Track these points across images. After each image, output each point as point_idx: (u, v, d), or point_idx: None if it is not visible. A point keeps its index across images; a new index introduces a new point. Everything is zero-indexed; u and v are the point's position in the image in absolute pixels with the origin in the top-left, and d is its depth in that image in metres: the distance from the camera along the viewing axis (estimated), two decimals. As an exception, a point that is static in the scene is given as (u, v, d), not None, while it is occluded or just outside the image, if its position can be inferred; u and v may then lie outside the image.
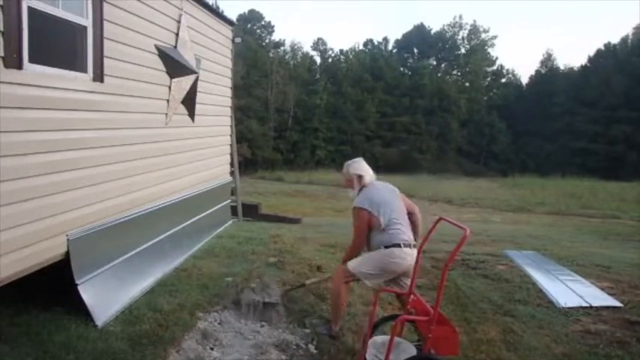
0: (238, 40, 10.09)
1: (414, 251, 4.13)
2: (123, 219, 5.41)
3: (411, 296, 3.81)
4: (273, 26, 60.55)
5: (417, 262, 3.85)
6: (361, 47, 63.50)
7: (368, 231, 4.27)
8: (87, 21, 4.59)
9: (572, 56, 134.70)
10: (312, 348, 4.44)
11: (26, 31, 3.76)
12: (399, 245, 4.15)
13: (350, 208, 4.45)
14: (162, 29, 6.22)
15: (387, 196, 4.34)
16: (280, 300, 5.18)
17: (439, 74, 63.15)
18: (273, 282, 5.82)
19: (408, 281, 4.13)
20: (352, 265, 4.34)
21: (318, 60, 62.56)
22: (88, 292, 4.58)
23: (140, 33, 5.61)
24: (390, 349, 3.41)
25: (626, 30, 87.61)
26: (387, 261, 4.15)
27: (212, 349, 4.29)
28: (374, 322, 4.04)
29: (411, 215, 4.46)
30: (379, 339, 3.84)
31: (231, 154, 9.88)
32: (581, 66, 57.38)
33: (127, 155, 5.44)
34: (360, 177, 4.41)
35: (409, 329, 4.31)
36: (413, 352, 3.64)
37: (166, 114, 6.44)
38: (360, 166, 4.47)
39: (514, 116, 55.90)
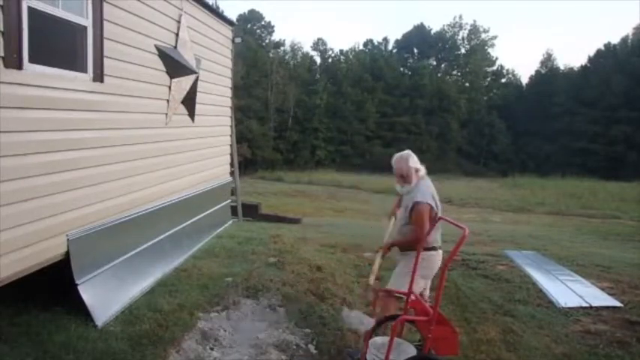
0: (238, 40, 10.09)
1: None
2: (123, 219, 5.41)
3: (411, 296, 3.81)
4: (273, 26, 60.64)
5: (416, 262, 3.83)
6: (361, 47, 63.59)
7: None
8: (87, 21, 4.59)
9: (572, 56, 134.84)
10: (312, 348, 4.44)
11: (26, 31, 3.76)
12: (434, 248, 4.13)
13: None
14: (163, 29, 6.22)
15: (437, 199, 4.20)
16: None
17: (439, 74, 63.14)
18: (273, 282, 5.83)
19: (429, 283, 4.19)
20: (396, 286, 4.15)
21: (318, 60, 62.59)
22: (88, 292, 4.59)
23: (140, 33, 5.61)
24: (390, 349, 3.41)
25: (626, 30, 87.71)
26: (432, 261, 4.10)
27: (212, 349, 4.29)
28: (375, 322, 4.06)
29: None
30: (379, 339, 3.82)
31: (231, 154, 9.88)
32: (581, 66, 57.41)
33: (127, 155, 5.44)
34: (417, 170, 4.21)
35: (410, 329, 4.32)
36: (413, 352, 3.64)
37: (166, 114, 6.44)
38: (417, 160, 4.25)
39: (514, 116, 55.87)
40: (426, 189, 4.13)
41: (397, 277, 4.24)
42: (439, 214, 4.04)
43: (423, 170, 4.26)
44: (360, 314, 5.23)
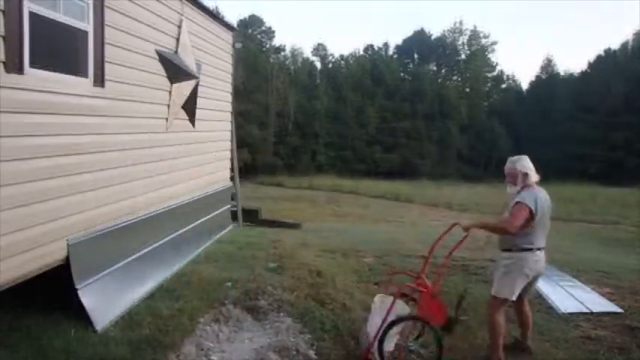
0: (239, 45, 10.14)
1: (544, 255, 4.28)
2: (123, 224, 5.41)
3: (419, 279, 4.21)
4: (273, 31, 60.61)
5: (429, 255, 4.27)
6: (361, 52, 63.56)
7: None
8: (88, 26, 4.61)
9: (573, 62, 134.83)
10: (312, 353, 4.43)
11: (27, 36, 3.77)
12: (531, 250, 4.19)
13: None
14: (163, 34, 6.24)
15: (546, 206, 4.26)
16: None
17: (439, 79, 63.13)
18: (273, 287, 5.83)
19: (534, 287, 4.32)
20: (500, 290, 4.25)
21: (318, 65, 62.59)
22: (87, 297, 4.58)
23: (141, 38, 5.63)
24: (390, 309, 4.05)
25: (626, 36, 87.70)
26: (528, 260, 4.16)
27: (212, 353, 4.29)
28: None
29: None
30: (377, 298, 4.39)
31: (232, 159, 9.89)
32: (582, 71, 57.39)
33: (127, 160, 5.45)
34: (525, 175, 4.28)
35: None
36: (407, 310, 4.28)
37: (167, 119, 6.45)
38: (528, 164, 4.35)
39: (514, 121, 55.87)
40: (534, 195, 4.18)
41: (499, 280, 4.32)
42: (537, 225, 4.15)
43: (534, 176, 4.33)
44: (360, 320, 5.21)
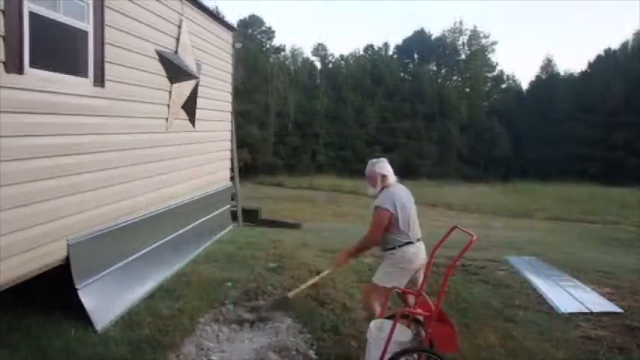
0: (239, 45, 10.14)
1: (423, 246, 4.33)
2: (123, 224, 5.42)
3: (420, 297, 4.06)
4: (273, 31, 60.56)
5: (428, 266, 4.08)
6: (361, 52, 63.54)
7: (385, 230, 4.31)
8: (88, 26, 4.61)
9: (573, 62, 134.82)
10: (312, 353, 4.43)
11: (27, 36, 3.77)
12: (411, 242, 4.25)
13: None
14: (163, 34, 6.24)
15: (406, 200, 4.39)
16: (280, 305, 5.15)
17: (439, 79, 63.10)
18: (273, 287, 5.83)
19: (421, 277, 4.26)
20: (379, 280, 4.30)
21: (318, 65, 62.54)
22: (87, 297, 4.59)
23: (141, 38, 5.63)
24: (390, 337, 3.60)
25: (626, 36, 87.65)
26: (406, 258, 4.21)
27: (211, 353, 4.29)
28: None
29: None
30: (378, 321, 4.02)
31: (232, 159, 9.89)
32: (582, 71, 57.40)
33: (127, 160, 5.45)
34: (383, 177, 4.42)
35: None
36: (409, 335, 3.87)
37: (167, 119, 6.45)
38: (385, 166, 4.48)
39: (514, 121, 55.86)
40: (389, 196, 4.32)
41: (380, 273, 4.37)
42: (405, 222, 4.24)
43: (392, 178, 4.46)
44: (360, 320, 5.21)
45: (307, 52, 63.34)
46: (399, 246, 4.23)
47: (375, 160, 4.57)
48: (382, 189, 4.41)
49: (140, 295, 5.32)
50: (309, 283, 4.95)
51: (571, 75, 59.40)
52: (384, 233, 4.29)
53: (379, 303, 4.28)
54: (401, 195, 4.39)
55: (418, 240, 4.32)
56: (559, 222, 21.62)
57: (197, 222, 7.70)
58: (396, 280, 4.19)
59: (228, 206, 9.87)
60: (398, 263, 4.22)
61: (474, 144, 57.51)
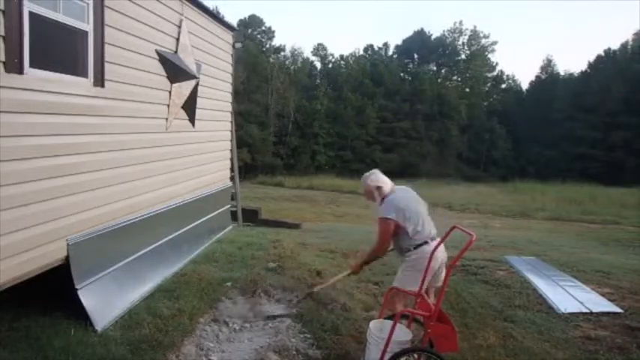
0: (239, 45, 10.14)
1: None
2: (123, 224, 5.42)
3: (419, 298, 4.00)
4: (273, 31, 60.55)
5: (428, 265, 3.99)
6: (361, 52, 63.53)
7: (395, 236, 4.29)
8: (88, 26, 4.61)
9: (573, 62, 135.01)
10: (311, 353, 4.43)
11: (27, 36, 3.77)
12: (426, 242, 4.21)
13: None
14: (163, 34, 6.24)
15: (412, 200, 4.38)
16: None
17: (439, 80, 63.09)
18: (273, 287, 5.83)
19: (443, 273, 4.24)
20: (401, 284, 4.24)
21: (318, 65, 62.53)
22: (87, 297, 4.58)
23: (141, 38, 5.63)
24: (390, 337, 3.59)
25: (626, 36, 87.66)
26: (425, 259, 4.13)
27: (211, 353, 4.29)
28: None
29: None
30: (379, 322, 4.03)
31: (232, 159, 9.88)
32: (582, 72, 57.38)
33: (127, 160, 5.45)
34: (379, 188, 4.41)
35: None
36: (409, 335, 3.87)
37: (167, 119, 6.45)
38: (377, 178, 4.47)
39: (514, 122, 55.85)
40: (390, 203, 4.30)
41: (401, 277, 4.32)
42: (415, 222, 4.20)
43: (387, 186, 4.44)
44: (360, 320, 5.21)
45: (307, 53, 63.33)
46: (415, 248, 4.20)
47: (367, 173, 4.57)
48: (383, 199, 4.38)
49: (140, 295, 5.32)
50: (332, 281, 5.23)
51: (571, 75, 59.42)
52: (397, 239, 4.27)
53: (403, 304, 4.28)
54: (405, 197, 4.37)
55: (433, 239, 4.26)
56: (559, 222, 21.62)
57: (197, 222, 7.69)
58: (417, 283, 4.08)
59: (228, 206, 9.86)
60: (417, 265, 4.16)
61: (474, 144, 57.55)
